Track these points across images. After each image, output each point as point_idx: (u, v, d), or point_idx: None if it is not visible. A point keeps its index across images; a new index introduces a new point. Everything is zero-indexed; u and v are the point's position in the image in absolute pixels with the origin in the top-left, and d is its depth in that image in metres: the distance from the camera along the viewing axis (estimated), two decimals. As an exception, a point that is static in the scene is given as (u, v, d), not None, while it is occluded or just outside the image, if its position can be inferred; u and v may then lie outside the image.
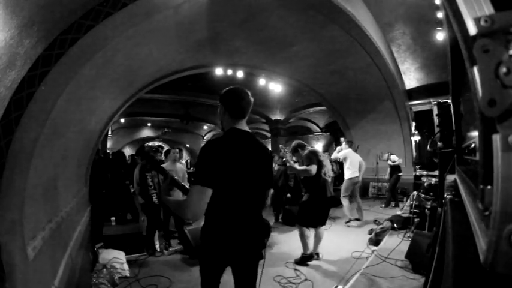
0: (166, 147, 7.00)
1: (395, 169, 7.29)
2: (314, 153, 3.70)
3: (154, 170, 4.10)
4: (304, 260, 3.70)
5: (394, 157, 7.37)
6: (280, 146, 4.22)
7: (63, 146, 2.66)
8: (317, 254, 3.88)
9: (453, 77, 1.65)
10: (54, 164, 2.50)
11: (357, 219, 5.70)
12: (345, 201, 5.72)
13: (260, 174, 1.63)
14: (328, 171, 3.75)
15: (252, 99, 1.65)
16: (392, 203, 7.28)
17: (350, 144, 6.37)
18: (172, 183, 1.69)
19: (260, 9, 4.59)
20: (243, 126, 1.64)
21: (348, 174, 5.82)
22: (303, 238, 3.69)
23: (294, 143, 4.05)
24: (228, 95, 1.63)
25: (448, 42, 1.52)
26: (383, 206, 7.28)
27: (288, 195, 6.16)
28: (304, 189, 3.85)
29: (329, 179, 3.75)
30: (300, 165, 3.79)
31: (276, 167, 6.25)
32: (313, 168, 3.55)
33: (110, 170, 6.11)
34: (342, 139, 6.56)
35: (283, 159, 4.59)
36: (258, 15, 4.79)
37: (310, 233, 3.74)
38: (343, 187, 5.84)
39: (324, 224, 3.85)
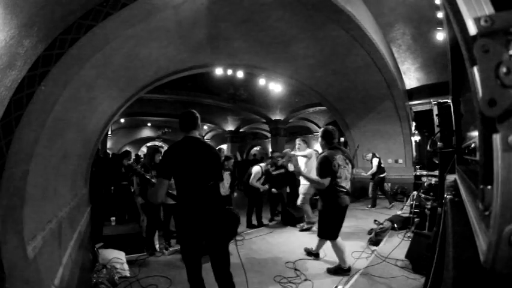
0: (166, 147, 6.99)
1: (376, 171, 7.34)
2: (327, 163, 3.09)
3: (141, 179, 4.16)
4: (339, 272, 3.29)
5: (375, 161, 7.40)
6: (282, 152, 3.85)
7: (63, 146, 2.66)
8: (318, 254, 3.88)
9: (453, 77, 1.66)
10: (55, 164, 2.50)
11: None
12: (306, 207, 5.29)
13: (205, 167, 2.14)
14: (342, 182, 3.15)
15: (197, 115, 2.28)
16: (389, 203, 7.32)
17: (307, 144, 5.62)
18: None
19: (260, 9, 4.59)
20: (195, 134, 2.24)
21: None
22: (337, 251, 3.29)
23: (324, 128, 3.41)
24: (180, 117, 2.28)
25: (448, 42, 1.52)
26: (369, 206, 7.36)
27: (274, 190, 5.99)
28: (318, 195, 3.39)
29: (344, 189, 3.16)
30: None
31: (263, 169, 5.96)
32: (326, 182, 3.06)
33: (110, 170, 6.10)
34: (297, 140, 5.53)
35: (287, 164, 4.33)
36: (258, 15, 4.78)
37: (339, 242, 3.30)
38: (303, 194, 5.21)
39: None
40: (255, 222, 5.81)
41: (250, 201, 5.81)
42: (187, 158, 2.09)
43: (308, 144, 5.82)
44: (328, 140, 3.29)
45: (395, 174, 8.58)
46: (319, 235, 3.46)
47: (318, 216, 3.45)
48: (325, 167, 3.09)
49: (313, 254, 3.89)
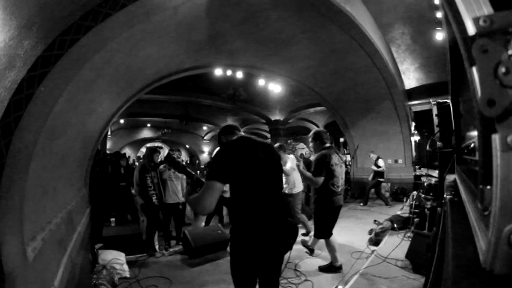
0: (166, 148, 6.99)
1: (377, 173, 7.40)
2: (324, 161, 3.16)
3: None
4: (332, 270, 3.40)
5: (381, 161, 7.46)
6: (289, 141, 4.02)
7: (63, 146, 2.66)
8: (313, 250, 4.01)
9: (452, 77, 1.65)
10: (54, 165, 2.50)
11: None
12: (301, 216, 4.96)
13: (275, 172, 1.74)
14: (338, 182, 3.26)
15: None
16: (386, 205, 7.37)
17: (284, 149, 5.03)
18: (198, 184, 1.81)
19: (260, 9, 4.59)
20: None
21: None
22: (330, 249, 3.38)
23: (315, 130, 3.53)
24: (221, 129, 1.94)
25: (447, 42, 1.52)
26: (361, 204, 7.63)
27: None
28: (313, 191, 3.48)
29: (339, 189, 3.27)
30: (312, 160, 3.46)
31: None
32: (320, 180, 3.14)
33: (109, 170, 6.10)
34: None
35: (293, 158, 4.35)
36: (257, 15, 4.79)
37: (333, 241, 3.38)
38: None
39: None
40: None
41: None
42: (255, 159, 1.62)
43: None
44: (320, 140, 3.36)
45: (395, 174, 8.59)
46: (315, 235, 3.55)
47: (313, 216, 3.49)
48: (322, 165, 3.15)
49: (309, 249, 4.02)
